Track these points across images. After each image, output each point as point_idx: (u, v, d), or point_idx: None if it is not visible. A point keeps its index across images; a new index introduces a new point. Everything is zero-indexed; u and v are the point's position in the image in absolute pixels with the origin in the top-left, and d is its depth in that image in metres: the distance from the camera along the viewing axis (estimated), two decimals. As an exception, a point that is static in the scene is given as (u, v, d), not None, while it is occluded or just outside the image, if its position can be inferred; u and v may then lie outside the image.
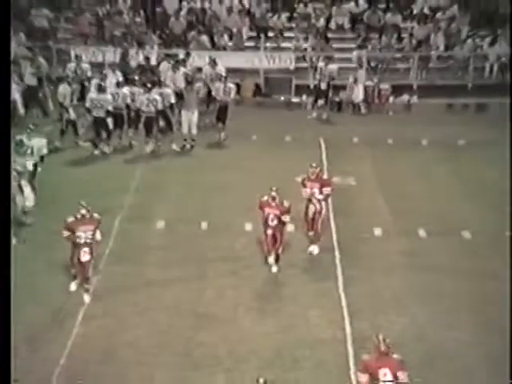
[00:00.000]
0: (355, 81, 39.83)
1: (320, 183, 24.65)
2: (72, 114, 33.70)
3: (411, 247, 25.79)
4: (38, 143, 28.05)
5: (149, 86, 34.07)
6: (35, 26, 41.67)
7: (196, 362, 19.36)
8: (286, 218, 23.08)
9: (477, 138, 35.08)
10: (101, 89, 33.62)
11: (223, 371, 19.08)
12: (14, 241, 23.68)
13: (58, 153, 32.48)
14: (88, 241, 21.87)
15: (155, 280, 23.29)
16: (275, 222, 23.02)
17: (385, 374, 17.07)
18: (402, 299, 22.47)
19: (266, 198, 23.08)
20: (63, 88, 34.08)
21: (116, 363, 19.42)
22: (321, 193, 24.57)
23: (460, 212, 28.24)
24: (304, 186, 24.68)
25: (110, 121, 33.82)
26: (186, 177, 30.90)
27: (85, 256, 21.78)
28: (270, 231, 23.17)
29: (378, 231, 26.85)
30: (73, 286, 22.65)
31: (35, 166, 27.76)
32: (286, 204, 22.92)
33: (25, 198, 26.61)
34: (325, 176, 25.49)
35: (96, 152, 33.47)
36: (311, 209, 24.74)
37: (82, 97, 35.28)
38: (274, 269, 23.61)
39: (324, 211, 24.95)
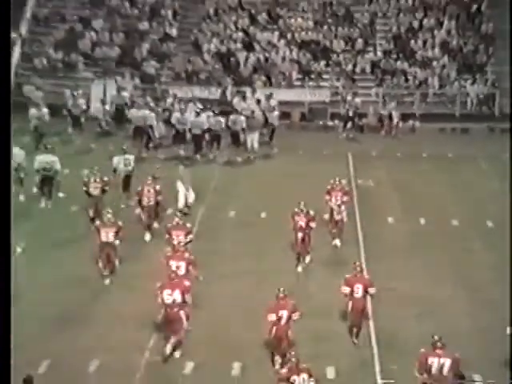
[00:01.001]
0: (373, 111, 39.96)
1: (342, 192, 24.71)
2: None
3: (414, 231, 26.10)
4: None
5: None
6: (147, 73, 41.66)
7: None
8: (312, 225, 22.50)
9: (461, 152, 35.11)
10: (198, 114, 34.13)
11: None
12: None
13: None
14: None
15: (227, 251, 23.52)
16: (302, 230, 22.35)
17: (357, 287, 18.44)
18: (408, 266, 22.68)
19: (296, 209, 22.40)
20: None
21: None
22: (342, 200, 24.53)
23: (450, 206, 28.43)
24: (329, 194, 24.66)
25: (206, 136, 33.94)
26: (250, 179, 31.06)
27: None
28: (300, 235, 22.38)
29: (390, 219, 27.09)
30: None
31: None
32: (311, 213, 22.40)
33: (187, 196, 26.60)
34: (345, 188, 25.46)
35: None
36: (335, 212, 24.38)
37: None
38: (300, 269, 22.61)
39: (344, 214, 24.52)
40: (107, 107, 37.46)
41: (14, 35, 43.04)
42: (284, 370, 15.51)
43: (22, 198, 27.24)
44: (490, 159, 33.15)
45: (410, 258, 23.69)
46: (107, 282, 21.22)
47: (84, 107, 35.87)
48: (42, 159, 26.94)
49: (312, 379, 15.29)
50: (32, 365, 16.77)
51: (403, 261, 23.38)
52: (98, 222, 21.51)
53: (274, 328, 17.39)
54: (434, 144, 36.73)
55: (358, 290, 18.55)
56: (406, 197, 29.40)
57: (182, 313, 17.91)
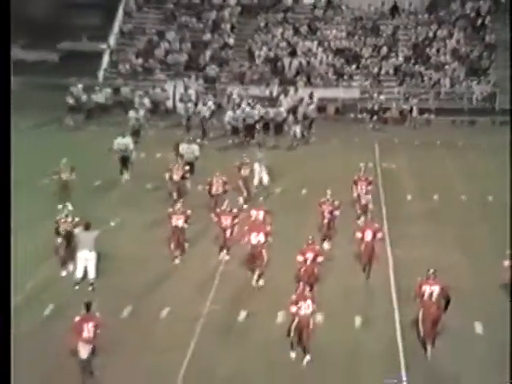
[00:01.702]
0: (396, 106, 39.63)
1: (366, 182, 23.70)
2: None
3: (428, 205, 25.82)
4: None
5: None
6: (209, 75, 41.74)
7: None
8: (336, 213, 21.31)
9: (469, 141, 34.72)
10: (252, 107, 34.65)
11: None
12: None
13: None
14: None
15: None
16: (329, 215, 21.24)
17: (368, 233, 19.39)
18: (423, 234, 22.49)
19: (323, 199, 21.30)
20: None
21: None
22: (367, 189, 23.58)
23: (458, 184, 28.08)
24: (355, 184, 23.50)
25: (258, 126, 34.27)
26: (293, 161, 30.68)
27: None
28: (326, 221, 21.28)
29: (409, 196, 26.80)
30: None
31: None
32: (336, 203, 21.27)
33: (262, 177, 26.24)
34: (369, 178, 24.21)
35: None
36: (361, 197, 23.40)
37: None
38: (326, 246, 21.25)
39: (369, 198, 23.52)
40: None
41: (103, 46, 43.87)
42: (294, 297, 15.83)
43: (126, 177, 27.68)
44: (492, 146, 32.61)
45: (424, 227, 23.50)
46: (177, 261, 20.40)
47: (149, 106, 36.75)
48: (119, 142, 27.47)
49: (315, 305, 15.66)
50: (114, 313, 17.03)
51: (419, 229, 23.22)
52: (170, 210, 20.53)
53: (303, 268, 17.96)
54: (446, 134, 36.37)
55: (368, 235, 19.46)
56: (422, 177, 29.12)
57: (263, 251, 19.12)
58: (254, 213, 20.91)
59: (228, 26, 45.18)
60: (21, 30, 49.03)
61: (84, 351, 14.31)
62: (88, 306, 14.70)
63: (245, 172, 25.27)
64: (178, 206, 20.54)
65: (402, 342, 16.48)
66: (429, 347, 16.01)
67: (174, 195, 24.38)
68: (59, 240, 18.83)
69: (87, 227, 18.90)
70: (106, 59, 43.51)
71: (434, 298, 15.90)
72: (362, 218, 22.89)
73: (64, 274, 19.16)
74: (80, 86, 37.93)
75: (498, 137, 34.09)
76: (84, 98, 37.48)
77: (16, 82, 42.06)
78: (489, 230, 23.22)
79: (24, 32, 49.26)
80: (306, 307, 15.51)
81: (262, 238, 19.18)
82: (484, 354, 16.04)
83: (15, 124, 34.30)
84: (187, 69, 42.50)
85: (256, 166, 26.25)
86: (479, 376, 15.21)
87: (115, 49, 44.24)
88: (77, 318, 14.52)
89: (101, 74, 42.71)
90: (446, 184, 28.06)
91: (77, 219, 18.95)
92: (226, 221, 20.47)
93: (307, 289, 16.34)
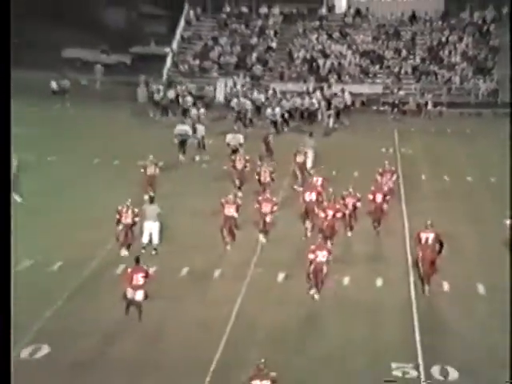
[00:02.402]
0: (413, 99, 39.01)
1: (391, 173, 22.27)
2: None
3: (441, 185, 25.36)
4: None
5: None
6: (255, 74, 41.59)
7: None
8: (358, 204, 19.91)
9: (475, 129, 34.16)
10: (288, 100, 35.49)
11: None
12: None
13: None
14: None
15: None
16: (351, 207, 19.79)
17: (378, 196, 19.94)
18: (435, 209, 21.98)
19: (345, 192, 19.91)
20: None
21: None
22: (391, 179, 22.08)
23: (466, 167, 27.56)
24: (381, 175, 21.80)
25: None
26: (325, 144, 29.19)
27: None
28: (347, 211, 19.76)
29: (423, 176, 26.40)
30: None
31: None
32: (358, 195, 19.98)
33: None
34: (393, 168, 22.95)
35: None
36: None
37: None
38: (349, 234, 19.98)
39: (392, 186, 21.95)
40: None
41: (167, 50, 44.39)
42: (313, 246, 16.08)
43: (197, 158, 27.76)
44: (495, 134, 31.92)
45: (436, 202, 23.03)
46: (228, 247, 18.84)
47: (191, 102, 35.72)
48: (179, 128, 27.77)
49: (330, 255, 15.96)
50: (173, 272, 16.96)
51: (432, 204, 22.69)
52: (222, 200, 18.74)
53: (325, 224, 18.32)
54: (456, 124, 35.80)
55: (379, 197, 19.91)
56: (435, 161, 28.60)
57: (315, 207, 19.47)
58: (314, 179, 21.31)
59: (271, 32, 45.11)
60: (101, 37, 49.93)
61: (132, 294, 14.67)
62: (137, 260, 15.06)
63: (299, 158, 24.37)
64: (230, 196, 19.01)
65: (416, 298, 16.23)
66: (426, 285, 16.41)
67: (237, 182, 23.02)
68: (120, 227, 18.05)
69: (151, 201, 18.82)
70: (169, 60, 43.80)
71: (429, 243, 16.40)
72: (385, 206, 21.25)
73: (123, 253, 18.13)
74: (160, 86, 38.41)
75: (499, 126, 33.39)
76: (161, 95, 37.34)
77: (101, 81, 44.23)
78: (491, 206, 22.72)
79: (104, 39, 50.44)
80: (322, 256, 15.78)
81: (313, 196, 19.67)
82: (485, 312, 15.71)
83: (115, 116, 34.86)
84: (236, 68, 42.41)
85: (309, 152, 25.61)
86: (480, 331, 14.82)
87: (177, 52, 44.46)
88: (129, 269, 14.98)
89: (164, 73, 42.94)
90: (455, 166, 27.53)
91: (136, 210, 18.16)
92: (266, 207, 19.10)
93: (326, 241, 17.01)
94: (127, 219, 17.87)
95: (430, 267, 16.36)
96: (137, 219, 18.13)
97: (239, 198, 20.18)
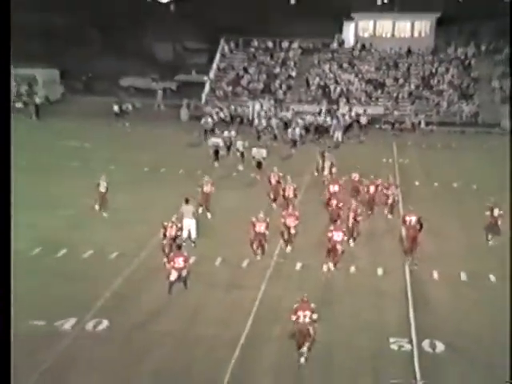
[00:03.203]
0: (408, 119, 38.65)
1: (394, 186, 21.47)
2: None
3: (431, 190, 24.92)
4: None
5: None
6: (278, 98, 41.71)
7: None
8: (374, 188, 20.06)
9: (460, 144, 34.01)
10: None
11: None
12: None
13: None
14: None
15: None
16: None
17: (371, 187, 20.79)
18: (427, 208, 21.40)
19: (366, 182, 19.83)
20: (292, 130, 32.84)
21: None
22: (395, 191, 21.28)
23: (452, 175, 26.91)
24: (387, 189, 21.05)
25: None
26: (341, 155, 28.34)
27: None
28: (367, 197, 19.94)
29: (417, 182, 25.97)
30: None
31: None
32: (379, 180, 19.82)
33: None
34: (396, 183, 22.45)
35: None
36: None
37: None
38: (390, 216, 20.15)
39: (395, 192, 21.38)
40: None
41: (206, 78, 44.59)
42: (331, 227, 16.78)
43: (216, 164, 27.45)
44: (476, 148, 31.91)
45: (428, 204, 22.43)
46: (258, 258, 17.34)
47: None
48: (213, 140, 28.74)
49: (346, 236, 16.90)
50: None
51: (424, 205, 22.01)
52: (253, 219, 17.23)
53: (335, 213, 19.07)
54: (444, 139, 35.37)
55: (370, 188, 20.80)
56: (427, 169, 28.22)
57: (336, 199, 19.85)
58: (353, 175, 22.09)
59: (292, 63, 45.21)
60: (152, 68, 50.38)
61: (174, 276, 14.89)
62: (179, 247, 15.54)
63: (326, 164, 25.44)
64: (261, 215, 17.29)
65: (410, 285, 15.94)
66: (409, 257, 17.06)
67: (271, 195, 21.76)
68: (165, 242, 16.79)
69: (187, 201, 18.26)
70: (207, 87, 43.89)
71: (412, 224, 17.17)
72: (390, 216, 20.82)
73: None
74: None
75: (480, 142, 33.45)
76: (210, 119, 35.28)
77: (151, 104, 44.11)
78: (473, 206, 22.09)
79: (154, 69, 51.00)
80: (337, 236, 16.37)
81: (336, 188, 20.64)
82: (467, 296, 15.44)
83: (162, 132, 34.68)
84: (262, 93, 42.47)
85: (326, 161, 25.66)
86: (463, 312, 14.55)
87: (213, 79, 44.48)
88: (171, 254, 15.34)
89: (203, 97, 43.03)
90: (443, 174, 27.07)
91: (179, 225, 17.17)
92: (290, 221, 17.78)
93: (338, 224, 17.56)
94: (171, 233, 16.92)
95: (413, 242, 17.06)
96: (179, 233, 17.10)
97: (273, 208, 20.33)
